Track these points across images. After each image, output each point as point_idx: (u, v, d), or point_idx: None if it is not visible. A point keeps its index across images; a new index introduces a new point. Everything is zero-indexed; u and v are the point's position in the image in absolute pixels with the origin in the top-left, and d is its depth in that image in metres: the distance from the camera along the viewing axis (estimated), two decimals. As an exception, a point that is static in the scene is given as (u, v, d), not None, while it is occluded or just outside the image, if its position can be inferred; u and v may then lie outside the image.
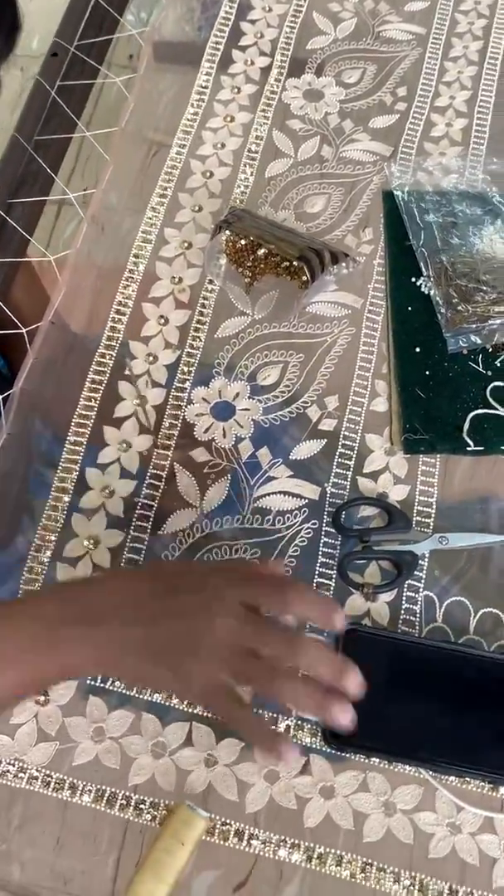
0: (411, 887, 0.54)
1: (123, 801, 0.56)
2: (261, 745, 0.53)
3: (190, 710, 0.59)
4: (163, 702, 0.59)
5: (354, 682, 0.48)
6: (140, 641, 0.50)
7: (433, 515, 0.66)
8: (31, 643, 0.50)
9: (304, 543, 0.65)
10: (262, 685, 0.50)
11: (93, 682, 0.59)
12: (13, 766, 0.57)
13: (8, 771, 0.57)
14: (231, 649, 0.49)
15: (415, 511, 0.66)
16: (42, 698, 0.59)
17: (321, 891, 0.54)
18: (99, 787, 0.56)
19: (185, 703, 0.59)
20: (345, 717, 0.47)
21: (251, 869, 0.55)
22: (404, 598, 0.63)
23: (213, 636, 0.49)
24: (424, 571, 0.64)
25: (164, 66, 0.91)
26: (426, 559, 0.64)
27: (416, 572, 0.64)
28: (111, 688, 0.59)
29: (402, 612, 0.63)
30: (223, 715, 0.53)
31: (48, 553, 0.64)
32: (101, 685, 0.59)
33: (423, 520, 0.66)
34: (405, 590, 0.63)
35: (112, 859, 0.55)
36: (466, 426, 0.69)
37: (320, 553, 0.65)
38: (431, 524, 0.66)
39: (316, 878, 0.55)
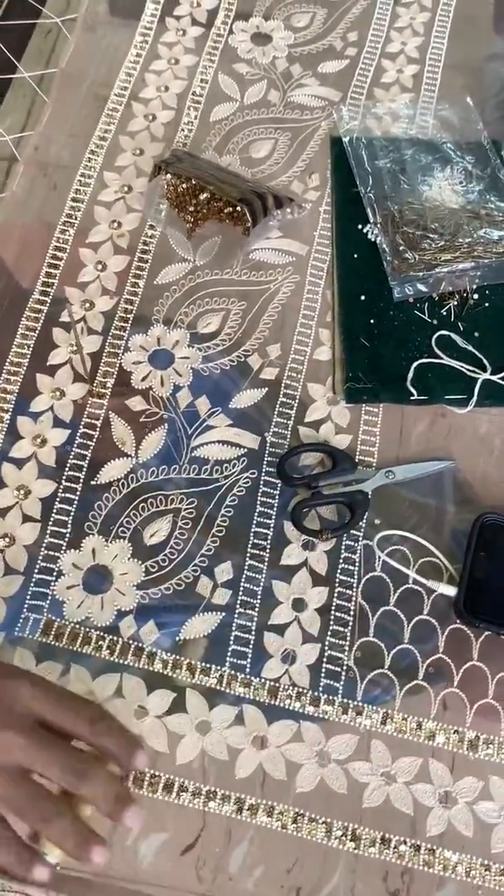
0: (343, 837, 0.53)
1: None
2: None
3: (122, 663, 0.57)
4: (93, 653, 0.57)
5: (132, 820, 0.49)
6: None
7: (376, 455, 0.65)
8: None
9: (242, 493, 0.63)
10: (26, 816, 0.48)
11: (20, 635, 0.57)
12: None
13: None
14: (6, 769, 0.47)
15: (357, 458, 0.65)
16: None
17: (271, 852, 0.53)
18: None
19: (116, 655, 0.57)
20: (100, 856, 0.47)
21: (200, 832, 0.53)
22: (343, 548, 0.62)
23: None
24: (364, 521, 0.62)
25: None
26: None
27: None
28: (41, 640, 0.57)
29: (342, 561, 0.61)
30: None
31: (-24, 503, 0.61)
32: (30, 637, 0.57)
33: (367, 459, 0.65)
34: (344, 539, 0.62)
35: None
36: (410, 375, 0.68)
37: (258, 503, 0.63)
38: (375, 463, 0.65)
39: (266, 839, 0.53)
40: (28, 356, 0.67)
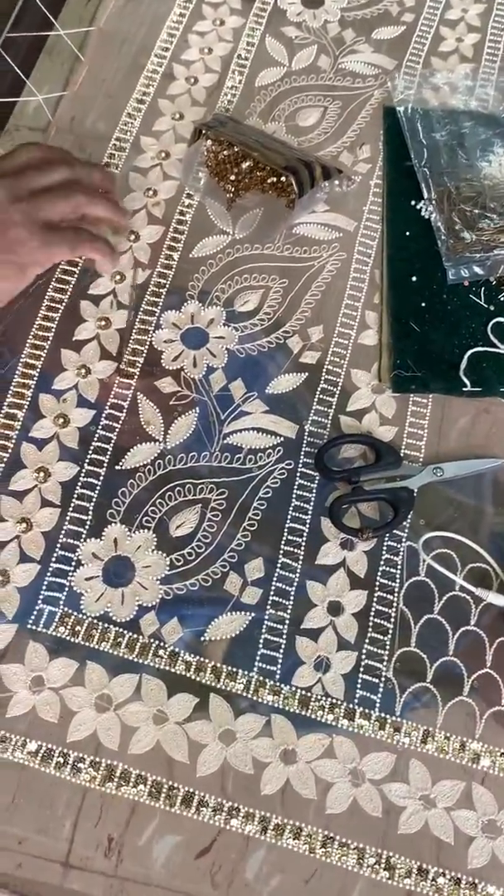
0: (377, 865, 0.49)
1: (60, 759, 0.50)
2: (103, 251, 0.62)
3: (142, 662, 0.53)
4: (111, 651, 0.53)
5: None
6: None
7: (423, 449, 0.60)
8: None
9: (277, 485, 0.58)
10: (72, 200, 0.61)
11: (34, 628, 0.53)
12: None
13: None
14: (21, 194, 0.59)
15: (402, 452, 0.60)
16: (-24, 643, 0.53)
17: (289, 861, 0.49)
18: (33, 742, 0.50)
19: (136, 654, 0.53)
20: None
21: (216, 836, 0.49)
22: (385, 549, 0.57)
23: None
24: (409, 520, 0.58)
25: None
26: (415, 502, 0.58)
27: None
28: (56, 634, 0.53)
29: (383, 562, 0.56)
30: (72, 241, 0.61)
31: (-7, 485, 0.57)
32: (44, 630, 0.53)
33: (413, 453, 0.60)
34: (386, 539, 0.57)
35: (69, 821, 0.49)
36: (463, 364, 0.62)
37: (294, 496, 0.58)
38: (422, 458, 0.60)
39: (284, 847, 0.49)
40: (53, 330, 0.63)
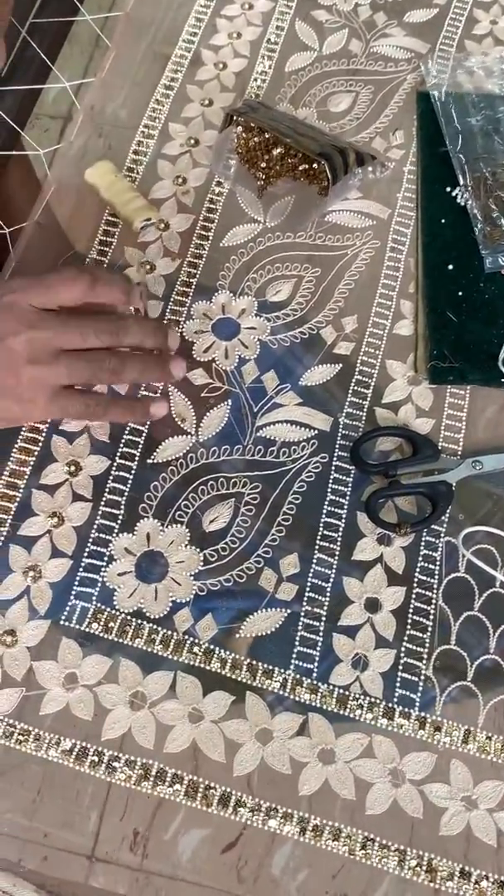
0: (418, 868, 0.48)
1: (95, 758, 0.49)
2: (134, 414, 0.57)
3: (176, 659, 0.52)
4: (145, 648, 0.52)
5: (175, 339, 0.57)
6: None
7: (461, 442, 0.59)
8: None
9: (312, 479, 0.57)
10: (97, 374, 0.53)
11: (67, 624, 0.52)
12: (-27, 712, 0.50)
13: (-33, 718, 0.50)
14: (41, 356, 0.51)
15: (439, 445, 0.58)
16: (9, 638, 0.52)
17: (316, 855, 0.48)
18: (67, 740, 0.50)
19: (170, 651, 0.52)
20: (179, 368, 0.57)
21: (242, 829, 0.48)
22: (423, 544, 0.56)
23: (13, 356, 0.50)
24: (447, 515, 0.56)
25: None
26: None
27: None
28: (88, 630, 0.52)
29: (421, 558, 0.55)
30: (79, 414, 0.54)
31: (24, 479, 0.56)
32: (77, 626, 0.52)
33: (451, 446, 0.59)
34: (424, 535, 0.56)
35: (95, 814, 0.48)
36: (502, 355, 0.61)
37: (329, 491, 0.57)
38: (460, 451, 0.58)
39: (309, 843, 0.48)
40: (83, 321, 0.62)
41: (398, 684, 0.52)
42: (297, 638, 0.53)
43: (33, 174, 0.80)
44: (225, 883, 0.47)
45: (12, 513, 0.55)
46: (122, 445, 0.58)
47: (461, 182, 0.67)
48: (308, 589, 0.54)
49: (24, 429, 0.58)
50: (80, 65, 1.09)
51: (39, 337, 0.51)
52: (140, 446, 0.58)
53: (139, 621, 0.53)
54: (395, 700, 0.51)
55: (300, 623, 0.53)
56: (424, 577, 0.55)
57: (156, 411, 0.57)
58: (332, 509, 0.56)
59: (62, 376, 0.52)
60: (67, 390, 0.53)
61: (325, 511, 0.56)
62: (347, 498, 0.57)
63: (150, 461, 0.57)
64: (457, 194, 0.67)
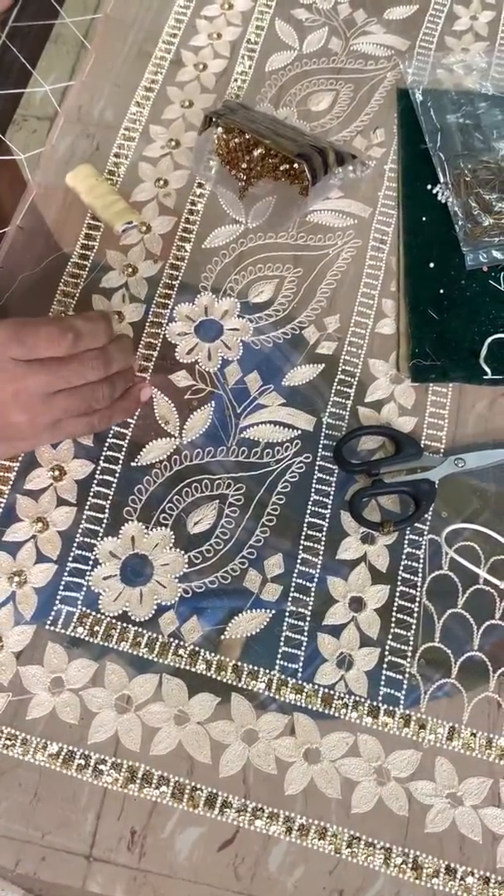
0: (403, 865, 0.48)
1: (81, 762, 0.49)
2: (128, 409, 0.58)
3: (162, 662, 0.52)
4: (131, 651, 0.52)
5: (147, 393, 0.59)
6: None
7: (444, 440, 0.59)
8: None
9: (296, 479, 0.57)
10: (91, 404, 0.53)
11: (52, 628, 0.53)
12: (-40, 718, 0.51)
13: (-46, 723, 0.50)
14: (32, 404, 0.50)
15: (422, 443, 0.59)
16: (-5, 644, 0.52)
17: (312, 851, 0.48)
18: (54, 744, 0.50)
19: (155, 653, 0.52)
20: (146, 393, 0.58)
21: (238, 828, 0.49)
22: (406, 542, 0.56)
23: (3, 409, 0.50)
24: (430, 513, 0.56)
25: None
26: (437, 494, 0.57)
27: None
28: (74, 634, 0.52)
29: (405, 556, 0.55)
30: (90, 429, 0.55)
31: (8, 484, 0.56)
32: (62, 630, 0.53)
33: (433, 444, 0.59)
34: (408, 533, 0.56)
35: (91, 815, 0.49)
36: (484, 352, 0.61)
37: (313, 490, 0.57)
38: (443, 448, 0.59)
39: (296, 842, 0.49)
40: (65, 325, 0.62)
41: (383, 683, 0.52)
42: (283, 638, 0.53)
43: (20, 177, 0.80)
44: (222, 881, 0.48)
45: (-4, 519, 0.56)
46: (106, 449, 0.58)
47: (442, 180, 0.67)
48: (293, 589, 0.54)
49: (7, 434, 0.58)
50: (67, 65, 1.09)
51: (27, 387, 0.50)
52: (124, 449, 0.58)
53: (125, 624, 0.53)
54: (380, 698, 0.52)
55: (285, 623, 0.53)
56: (408, 576, 0.55)
57: (144, 395, 0.59)
58: (316, 509, 0.57)
59: (58, 414, 0.52)
60: (67, 417, 0.53)
61: (309, 511, 0.57)
62: (331, 497, 0.57)
63: (134, 464, 0.58)
64: (437, 192, 0.67)
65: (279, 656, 0.52)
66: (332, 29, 0.76)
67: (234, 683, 0.52)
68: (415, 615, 0.54)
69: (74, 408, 0.52)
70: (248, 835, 0.48)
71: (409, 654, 0.53)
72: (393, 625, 0.54)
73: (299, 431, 0.59)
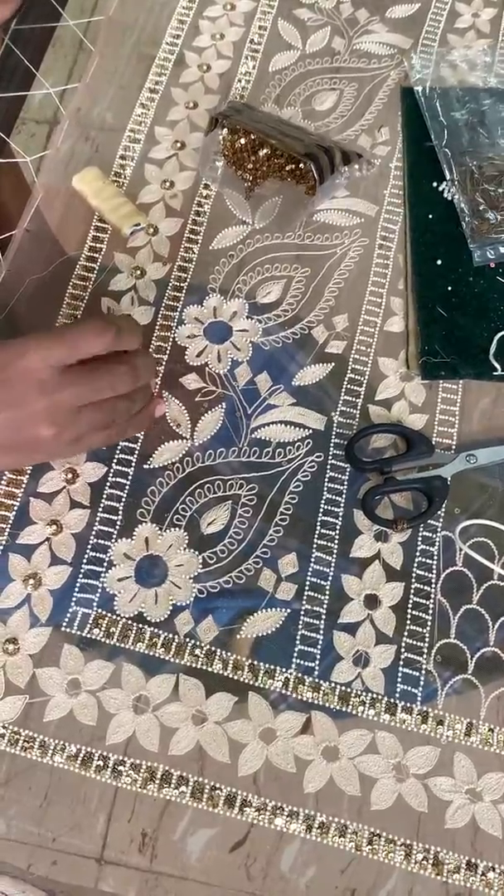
0: (424, 861, 0.48)
1: (100, 762, 0.50)
2: (142, 424, 0.57)
3: (178, 662, 0.52)
4: (147, 651, 0.52)
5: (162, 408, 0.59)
6: None
7: (455, 436, 0.59)
8: None
9: (308, 478, 0.58)
10: (115, 419, 0.52)
11: (68, 630, 0.53)
12: (-22, 721, 0.51)
13: (-28, 727, 0.51)
14: (62, 418, 0.49)
15: (433, 440, 0.59)
16: (11, 646, 0.52)
17: (324, 850, 0.48)
18: (72, 746, 0.50)
19: (172, 654, 0.52)
20: (160, 409, 0.58)
21: (250, 828, 0.49)
22: (420, 539, 0.56)
23: (33, 422, 0.49)
24: (443, 509, 0.57)
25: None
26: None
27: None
28: (90, 636, 0.53)
29: (418, 553, 0.56)
30: (106, 443, 0.55)
31: (21, 487, 0.57)
32: (78, 632, 0.53)
33: (444, 441, 0.59)
34: (421, 530, 0.56)
35: (102, 818, 0.49)
36: (493, 348, 0.61)
37: (325, 489, 0.57)
38: (454, 445, 0.59)
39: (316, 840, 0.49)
40: (75, 328, 0.62)
41: (399, 679, 0.52)
42: (298, 637, 0.53)
43: (24, 181, 0.81)
44: (234, 882, 0.48)
45: (10, 521, 0.56)
46: (118, 452, 0.58)
47: (448, 177, 0.67)
48: (307, 587, 0.54)
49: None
50: (65, 69, 1.09)
51: (60, 400, 0.49)
52: (136, 452, 0.58)
53: (140, 625, 0.53)
54: (397, 695, 0.52)
55: (300, 622, 0.53)
56: (422, 572, 0.55)
57: (158, 411, 0.58)
58: (329, 507, 0.57)
59: (83, 429, 0.51)
60: (90, 430, 0.52)
61: (321, 510, 0.57)
62: (343, 496, 0.57)
63: (146, 466, 0.58)
64: (443, 189, 0.67)
65: (295, 654, 0.53)
66: (334, 28, 0.76)
67: (251, 683, 0.52)
68: (430, 612, 0.54)
69: (98, 421, 0.52)
70: (260, 835, 0.49)
71: (425, 650, 0.53)
72: (408, 622, 0.54)
73: (310, 431, 0.59)
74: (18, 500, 0.56)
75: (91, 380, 0.50)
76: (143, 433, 0.58)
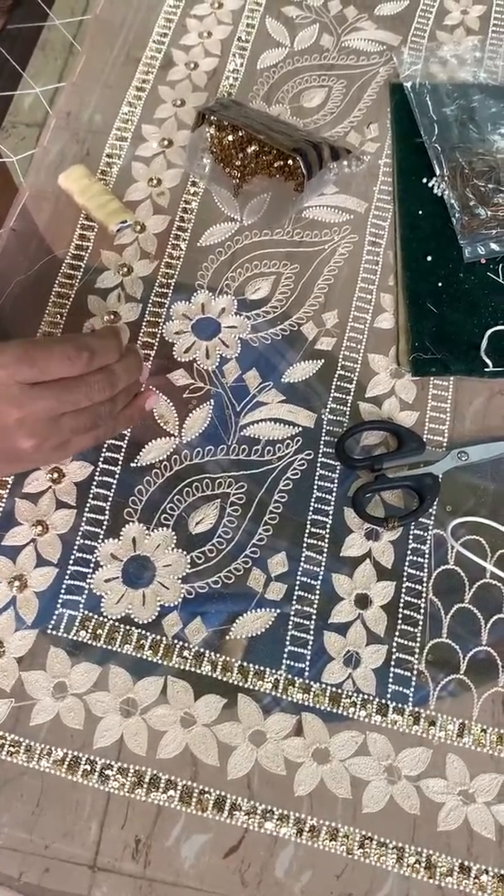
0: (417, 865, 0.47)
1: (87, 767, 0.49)
2: (132, 419, 0.56)
3: (166, 664, 0.51)
4: (135, 654, 0.51)
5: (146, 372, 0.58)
6: None
7: (446, 434, 0.58)
8: None
9: (297, 477, 0.57)
10: (97, 422, 0.51)
11: (54, 633, 0.52)
12: (-38, 726, 0.50)
13: (-44, 731, 0.50)
14: (38, 429, 0.48)
15: (424, 437, 0.58)
16: (-4, 650, 0.51)
17: (319, 855, 0.47)
18: (59, 750, 0.49)
19: (159, 656, 0.51)
20: (150, 402, 0.57)
21: (244, 833, 0.48)
22: (411, 538, 0.55)
23: (9, 436, 0.48)
24: (434, 507, 0.56)
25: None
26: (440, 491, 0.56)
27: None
28: (76, 638, 0.52)
29: (410, 552, 0.55)
30: (96, 443, 0.53)
31: (6, 488, 0.56)
32: (65, 635, 0.52)
33: (436, 438, 0.58)
34: (412, 528, 0.55)
35: (95, 824, 0.48)
36: (484, 344, 0.61)
37: (315, 487, 0.56)
38: (445, 442, 0.58)
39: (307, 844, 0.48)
40: (61, 325, 0.61)
41: (391, 680, 0.51)
42: (288, 637, 0.52)
43: (11, 181, 0.80)
44: (229, 888, 0.47)
45: (-4, 523, 0.55)
46: (105, 450, 0.57)
47: (438, 172, 0.67)
48: (297, 588, 0.54)
49: (5, 437, 0.57)
50: (55, 72, 1.09)
51: (33, 412, 0.48)
52: (123, 450, 0.57)
53: (128, 627, 0.52)
54: (389, 696, 0.51)
55: (290, 622, 0.53)
56: (414, 571, 0.54)
57: (148, 405, 0.57)
58: (319, 506, 0.56)
59: (66, 436, 0.50)
60: (74, 436, 0.51)
61: (311, 508, 0.56)
62: (334, 494, 0.56)
63: (133, 465, 0.57)
64: (433, 185, 0.67)
65: (285, 655, 0.52)
66: (322, 25, 0.75)
67: (241, 684, 0.51)
68: (421, 611, 0.53)
69: (81, 425, 0.50)
70: (255, 840, 0.48)
71: (417, 650, 0.52)
72: (400, 621, 0.53)
73: (300, 428, 0.58)
74: (4, 501, 0.55)
75: (65, 392, 0.49)
76: (129, 431, 0.58)
